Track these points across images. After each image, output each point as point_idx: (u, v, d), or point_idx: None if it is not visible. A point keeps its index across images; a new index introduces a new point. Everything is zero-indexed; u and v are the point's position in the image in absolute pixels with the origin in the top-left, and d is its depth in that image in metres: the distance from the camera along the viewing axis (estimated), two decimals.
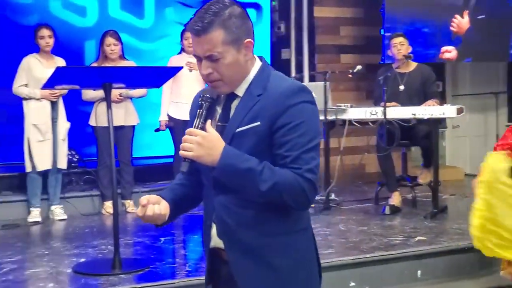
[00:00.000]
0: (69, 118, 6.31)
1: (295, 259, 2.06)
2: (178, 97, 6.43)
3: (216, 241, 2.10)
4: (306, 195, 1.96)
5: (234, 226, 2.04)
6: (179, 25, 7.14)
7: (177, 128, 6.39)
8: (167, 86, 6.24)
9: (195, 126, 2.01)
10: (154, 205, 2.06)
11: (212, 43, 1.97)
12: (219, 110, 2.10)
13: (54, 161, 6.16)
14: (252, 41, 2.04)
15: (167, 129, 6.66)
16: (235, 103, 2.07)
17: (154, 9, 7.73)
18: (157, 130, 6.75)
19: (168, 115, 6.54)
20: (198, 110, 2.04)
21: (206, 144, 1.95)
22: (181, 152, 1.97)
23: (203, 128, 1.99)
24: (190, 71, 6.22)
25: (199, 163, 1.98)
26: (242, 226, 2.03)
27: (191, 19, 2.01)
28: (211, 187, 2.08)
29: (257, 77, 2.06)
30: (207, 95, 2.06)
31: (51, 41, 6.11)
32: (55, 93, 6.06)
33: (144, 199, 2.05)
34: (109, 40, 6.27)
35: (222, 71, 2.00)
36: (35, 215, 6.13)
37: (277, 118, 1.97)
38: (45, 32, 6.09)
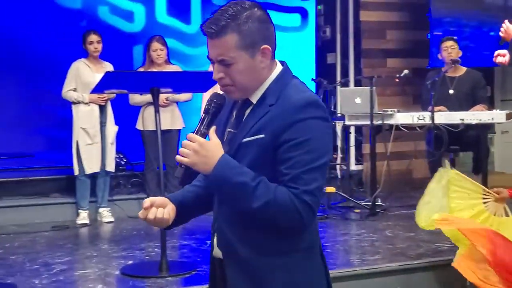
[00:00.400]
0: (117, 122, 6.40)
1: (293, 283, 1.92)
2: None
3: (217, 251, 2.02)
4: (301, 217, 1.82)
5: (233, 238, 1.94)
6: None
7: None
8: (207, 91, 6.25)
9: (196, 131, 1.91)
10: (158, 209, 1.96)
11: (225, 47, 1.86)
12: (234, 115, 2.01)
13: (103, 164, 6.25)
14: (270, 47, 1.91)
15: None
16: (248, 111, 1.96)
17: (201, 14, 7.77)
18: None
19: None
20: (203, 115, 1.94)
21: (203, 152, 1.85)
22: (177, 157, 1.88)
23: (205, 134, 1.89)
24: None
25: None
26: (240, 240, 1.93)
27: (207, 19, 1.90)
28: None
29: (273, 86, 1.94)
30: (215, 100, 1.95)
31: (99, 46, 6.21)
32: (104, 97, 6.15)
33: (147, 201, 1.95)
34: (156, 45, 6.33)
35: (234, 76, 1.89)
36: (84, 217, 6.24)
37: (282, 132, 1.84)
38: (93, 37, 6.18)
